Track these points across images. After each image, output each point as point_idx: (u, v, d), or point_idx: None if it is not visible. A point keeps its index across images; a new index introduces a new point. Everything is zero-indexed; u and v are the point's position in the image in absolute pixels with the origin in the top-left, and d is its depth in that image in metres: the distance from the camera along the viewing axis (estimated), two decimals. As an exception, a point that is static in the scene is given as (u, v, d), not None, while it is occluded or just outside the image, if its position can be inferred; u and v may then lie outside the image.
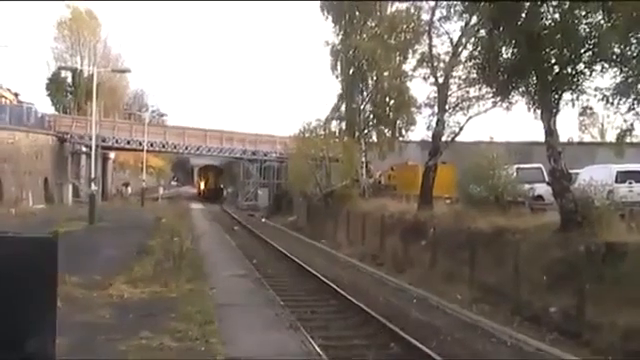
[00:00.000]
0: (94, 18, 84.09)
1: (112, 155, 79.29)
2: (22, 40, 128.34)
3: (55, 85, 79.73)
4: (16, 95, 70.86)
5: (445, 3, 26.91)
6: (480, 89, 24.46)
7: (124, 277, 16.36)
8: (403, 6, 38.06)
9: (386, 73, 41.27)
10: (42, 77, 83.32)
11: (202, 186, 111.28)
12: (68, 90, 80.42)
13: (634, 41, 16.80)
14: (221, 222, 49.11)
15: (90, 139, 45.79)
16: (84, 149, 62.55)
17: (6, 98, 65.60)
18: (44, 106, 75.78)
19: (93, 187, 38.35)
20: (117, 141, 66.39)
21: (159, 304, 13.53)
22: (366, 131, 44.06)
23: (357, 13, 43.52)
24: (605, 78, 18.03)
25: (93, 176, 40.26)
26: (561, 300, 16.04)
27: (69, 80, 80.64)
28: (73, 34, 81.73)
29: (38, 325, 3.12)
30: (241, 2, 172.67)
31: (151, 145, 65.91)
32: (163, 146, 69.30)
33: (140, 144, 63.96)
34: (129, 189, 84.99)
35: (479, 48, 20.59)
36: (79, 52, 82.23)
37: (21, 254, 3.04)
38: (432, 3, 29.76)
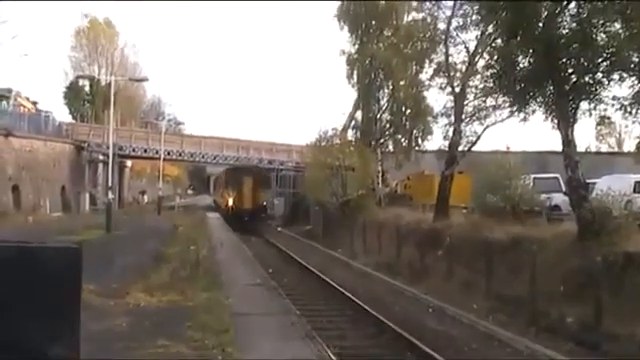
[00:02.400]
0: (112, 27, 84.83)
1: (129, 163, 79.64)
2: (41, 49, 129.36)
3: (73, 93, 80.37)
4: (34, 103, 71.37)
5: (461, 12, 26.92)
6: (497, 99, 24.37)
7: (141, 285, 16.41)
8: (419, 15, 38.05)
9: (402, 82, 41.31)
10: (60, 86, 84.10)
11: (230, 200, 56.18)
12: (86, 99, 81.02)
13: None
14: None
15: (107, 147, 46.01)
16: (101, 157, 62.85)
17: (24, 106, 66.03)
18: (62, 114, 76.47)
19: (110, 195, 38.48)
20: (134, 149, 66.62)
21: (176, 312, 13.57)
22: (382, 140, 44.13)
23: (373, 22, 43.62)
24: (623, 87, 17.98)
25: (110, 184, 40.41)
26: (578, 310, 15.93)
27: (87, 89, 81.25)
28: (91, 43, 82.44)
29: (63, 333, 3.16)
30: (258, 12, 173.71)
31: (168, 154, 66.08)
32: (180, 155, 69.45)
33: (157, 152, 64.14)
34: (145, 197, 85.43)
35: (496, 57, 20.56)
36: (97, 61, 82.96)
37: (46, 263, 3.09)
38: (448, 13, 29.72)
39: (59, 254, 3.14)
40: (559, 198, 24.91)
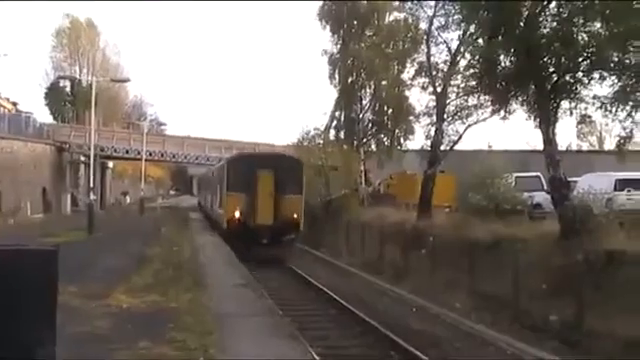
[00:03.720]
0: (93, 27, 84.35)
1: (111, 164, 79.30)
2: (21, 49, 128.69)
3: (54, 94, 79.84)
4: (15, 104, 70.92)
5: (443, 12, 26.97)
6: (478, 98, 24.46)
7: (123, 287, 16.30)
8: (401, 15, 38.16)
9: (384, 82, 41.40)
10: (41, 86, 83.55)
11: (236, 211, 31.66)
12: (67, 99, 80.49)
13: (632, 49, 16.82)
14: (214, 224, 49.00)
15: (89, 148, 45.80)
16: (82, 158, 62.59)
17: (5, 107, 65.64)
18: (43, 115, 76.03)
19: (91, 196, 38.30)
20: (116, 150, 66.44)
21: (158, 314, 13.47)
22: (365, 140, 44.14)
23: (355, 22, 43.65)
24: (603, 86, 18.10)
25: (92, 185, 40.22)
26: (561, 308, 16.01)
27: (68, 89, 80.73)
28: (72, 43, 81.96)
29: (39, 334, 3.15)
30: (240, 12, 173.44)
31: (150, 154, 65.89)
32: (162, 155, 69.31)
33: (139, 153, 63.92)
34: (128, 198, 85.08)
35: (477, 57, 20.61)
36: (78, 61, 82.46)
37: (23, 266, 3.07)
38: (430, 12, 29.78)
39: (35, 257, 3.12)
40: (541, 196, 25.06)
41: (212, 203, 42.68)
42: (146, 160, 65.98)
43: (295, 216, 31.72)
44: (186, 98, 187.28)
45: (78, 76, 78.00)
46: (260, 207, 30.92)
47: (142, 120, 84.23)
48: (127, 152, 67.01)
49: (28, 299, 3.11)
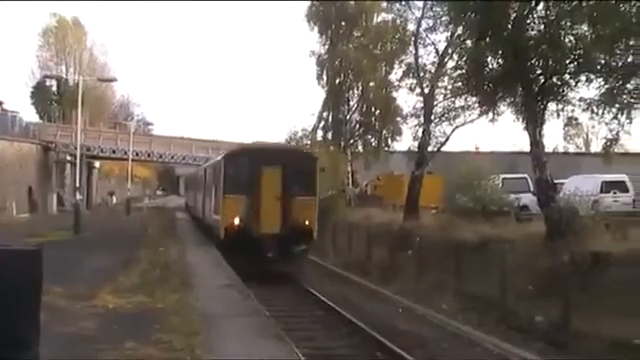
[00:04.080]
0: (80, 26, 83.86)
1: (97, 164, 78.90)
2: (7, 48, 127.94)
3: (40, 93, 79.41)
4: (0, 103, 70.45)
5: (431, 14, 27.05)
6: (466, 99, 24.61)
7: (109, 288, 16.22)
8: (389, 16, 38.18)
9: (372, 83, 41.45)
10: (27, 85, 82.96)
11: (235, 217, 25.98)
12: (53, 99, 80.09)
13: (618, 51, 16.92)
14: (208, 232, 48.60)
15: (75, 148, 45.53)
16: (69, 158, 62.25)
17: (-10, 106, 65.18)
18: (29, 114, 75.61)
19: (78, 196, 38.07)
20: (102, 150, 66.22)
21: (145, 315, 13.41)
22: (352, 141, 44.13)
23: (343, 23, 43.65)
24: (590, 89, 18.21)
25: (78, 185, 39.95)
26: (547, 309, 16.07)
27: (54, 89, 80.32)
28: (59, 42, 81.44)
29: (23, 334, 3.11)
30: (228, 12, 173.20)
31: (136, 154, 65.69)
32: (149, 155, 69.13)
33: (125, 153, 63.68)
34: (114, 198, 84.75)
35: (465, 58, 20.71)
36: (64, 60, 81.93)
37: (7, 266, 3.03)
38: (418, 14, 29.86)
39: (19, 257, 3.08)
40: (527, 198, 25.17)
41: (204, 207, 35.54)
42: (133, 160, 65.75)
43: (307, 222, 26.36)
44: (173, 98, 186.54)
45: (65, 75, 77.63)
46: (265, 212, 25.62)
47: (129, 120, 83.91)
48: (114, 152, 66.80)
49: (12, 299, 3.07)
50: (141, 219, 47.84)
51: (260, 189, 25.67)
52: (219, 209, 27.15)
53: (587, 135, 63.76)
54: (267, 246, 24.82)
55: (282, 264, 24.99)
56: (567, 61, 17.96)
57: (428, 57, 29.76)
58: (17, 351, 3.10)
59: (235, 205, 25.84)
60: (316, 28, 44.30)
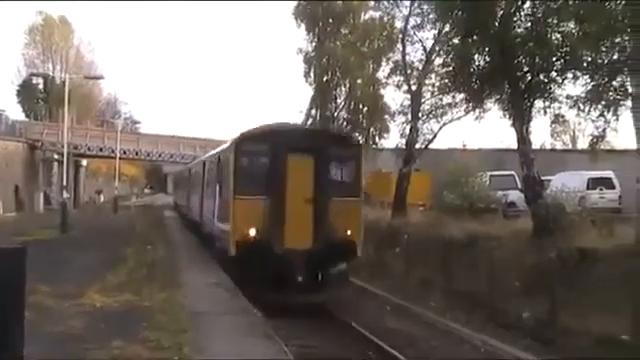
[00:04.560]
0: (67, 24, 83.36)
1: (84, 162, 78.55)
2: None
3: (26, 92, 78.97)
4: (-14, 102, 70.16)
5: (418, 11, 27.10)
6: (453, 96, 24.60)
7: (97, 286, 16.16)
8: (377, 14, 38.16)
9: (359, 81, 41.34)
10: (13, 83, 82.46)
11: (252, 227, 18.87)
12: (39, 97, 79.67)
13: (604, 49, 16.99)
14: (196, 231, 48.45)
15: (62, 146, 45.34)
16: (56, 156, 61.90)
17: (-24, 105, 64.88)
18: (15, 113, 75.30)
19: (65, 195, 37.90)
20: (89, 148, 65.95)
21: (132, 313, 13.38)
22: (340, 138, 43.98)
23: (330, 21, 43.58)
24: (577, 86, 18.27)
25: (65, 183, 39.79)
26: (534, 306, 16.14)
27: (40, 87, 79.88)
28: (45, 40, 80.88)
29: (7, 334, 3.09)
30: (215, 9, 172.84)
31: (124, 152, 65.52)
32: (136, 153, 68.95)
33: (113, 151, 63.50)
34: (102, 197, 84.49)
35: (452, 56, 20.70)
36: (51, 58, 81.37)
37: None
38: (406, 11, 29.90)
39: (2, 255, 3.05)
40: (515, 195, 25.28)
41: (202, 210, 28.51)
42: (120, 158, 65.54)
43: (349, 232, 19.44)
44: (161, 96, 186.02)
45: (51, 73, 77.11)
46: (292, 220, 18.92)
47: (116, 118, 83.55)
48: (101, 150, 66.58)
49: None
50: (129, 217, 47.69)
51: (285, 187, 19.08)
52: (227, 215, 19.90)
53: (574, 132, 63.88)
54: (295, 267, 18.60)
55: (314, 292, 19.03)
56: (554, 58, 18.01)
57: (415, 55, 29.82)
58: (2, 350, 3.07)
59: (250, 210, 19.11)
60: (303, 26, 44.14)
